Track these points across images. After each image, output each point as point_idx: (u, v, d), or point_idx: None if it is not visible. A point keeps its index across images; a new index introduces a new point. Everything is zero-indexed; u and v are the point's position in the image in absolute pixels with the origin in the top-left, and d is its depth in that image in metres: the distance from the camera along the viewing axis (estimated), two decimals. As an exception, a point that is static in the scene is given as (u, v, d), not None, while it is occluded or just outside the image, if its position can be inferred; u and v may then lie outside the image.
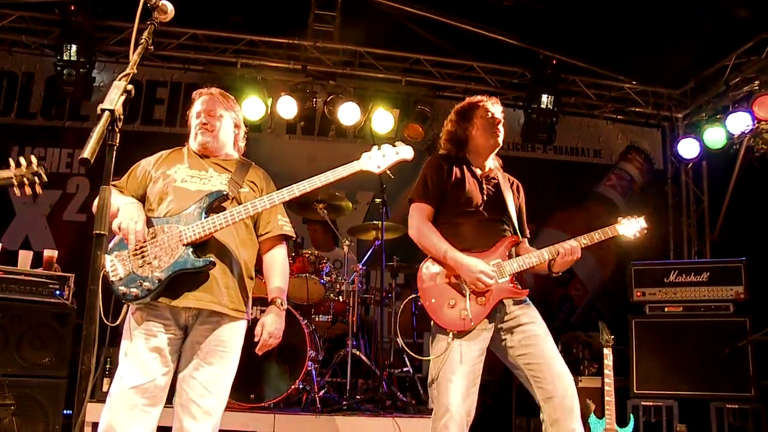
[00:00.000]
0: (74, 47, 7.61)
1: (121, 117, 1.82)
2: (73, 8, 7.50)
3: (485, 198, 3.63)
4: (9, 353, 4.91)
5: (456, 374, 3.32)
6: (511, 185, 3.84)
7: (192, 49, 8.25)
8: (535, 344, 3.41)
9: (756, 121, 7.07)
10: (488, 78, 8.75)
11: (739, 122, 7.31)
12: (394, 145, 3.31)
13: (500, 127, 3.73)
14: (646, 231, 3.73)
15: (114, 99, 1.81)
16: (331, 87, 8.31)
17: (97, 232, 1.74)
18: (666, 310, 6.61)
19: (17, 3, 7.77)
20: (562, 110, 8.76)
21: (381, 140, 6.51)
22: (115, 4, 7.81)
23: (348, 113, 8.03)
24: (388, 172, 3.31)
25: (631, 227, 3.71)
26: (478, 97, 3.83)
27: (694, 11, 7.27)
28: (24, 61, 8.33)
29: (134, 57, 2.07)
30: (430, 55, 8.60)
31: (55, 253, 5.52)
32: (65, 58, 7.62)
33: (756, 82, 7.37)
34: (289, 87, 8.04)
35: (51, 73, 7.98)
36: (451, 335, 3.36)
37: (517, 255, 3.59)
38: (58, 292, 5.22)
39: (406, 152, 3.31)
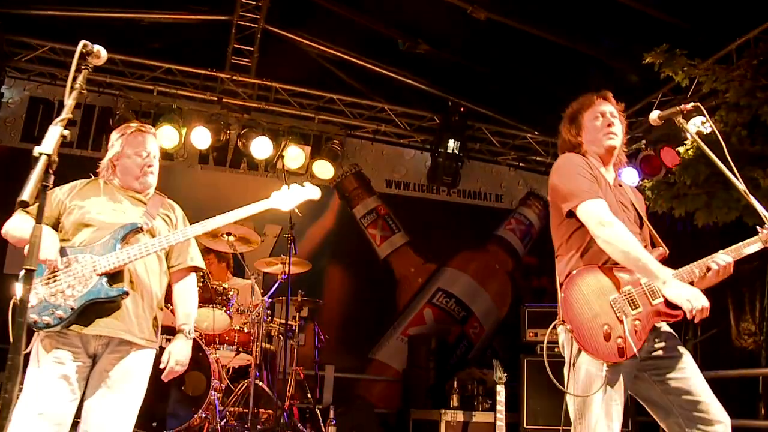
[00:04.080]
0: (-17, 61, 7.44)
1: (56, 160, 1.94)
2: (-16, 23, 7.38)
3: (621, 207, 3.15)
4: None
5: (612, 412, 2.89)
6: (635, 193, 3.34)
7: (108, 73, 8.08)
8: (692, 377, 2.95)
9: (641, 177, 7.60)
10: (398, 120, 9.07)
11: (628, 177, 7.80)
12: (303, 185, 3.53)
13: (613, 126, 3.22)
14: None
15: (51, 143, 1.93)
16: (245, 120, 8.44)
17: (28, 267, 1.84)
18: (556, 350, 6.95)
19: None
20: (468, 155, 9.15)
21: (292, 175, 6.70)
22: (28, 21, 7.71)
23: (260, 147, 8.15)
24: (296, 210, 3.54)
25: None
26: (588, 97, 3.31)
27: (590, 71, 7.85)
28: (-73, 75, 8.04)
29: (69, 102, 2.19)
30: (344, 95, 8.85)
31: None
32: (-26, 72, 7.46)
33: (643, 141, 7.95)
34: (203, 117, 8.10)
35: (-43, 87, 7.78)
36: (604, 368, 2.87)
37: None
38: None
39: (313, 192, 3.59)
